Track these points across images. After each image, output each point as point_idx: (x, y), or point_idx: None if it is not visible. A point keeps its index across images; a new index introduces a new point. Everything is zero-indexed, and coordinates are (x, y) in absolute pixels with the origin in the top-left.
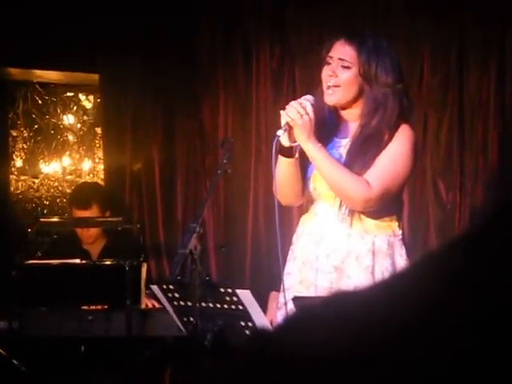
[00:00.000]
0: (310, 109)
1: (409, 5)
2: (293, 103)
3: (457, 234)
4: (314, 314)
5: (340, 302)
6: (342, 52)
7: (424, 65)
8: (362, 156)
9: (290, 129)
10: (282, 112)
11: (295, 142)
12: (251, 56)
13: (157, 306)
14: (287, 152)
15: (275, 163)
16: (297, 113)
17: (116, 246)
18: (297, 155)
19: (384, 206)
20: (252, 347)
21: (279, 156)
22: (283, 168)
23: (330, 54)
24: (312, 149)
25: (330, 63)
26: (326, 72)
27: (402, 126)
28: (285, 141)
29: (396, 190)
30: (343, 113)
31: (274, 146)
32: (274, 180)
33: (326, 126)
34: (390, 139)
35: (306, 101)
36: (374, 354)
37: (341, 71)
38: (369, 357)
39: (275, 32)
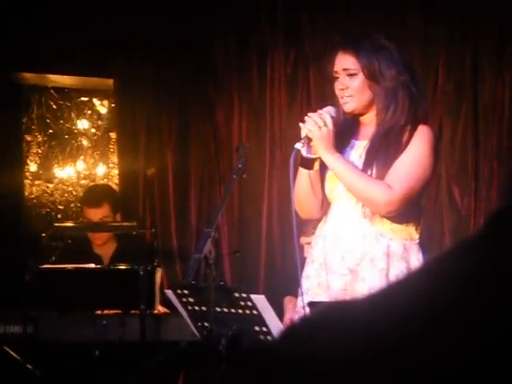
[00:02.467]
0: (329, 121)
1: (423, 11)
2: (312, 115)
3: (471, 233)
4: (328, 316)
5: (350, 305)
6: (344, 62)
7: (439, 71)
8: (382, 155)
9: (309, 141)
10: (301, 124)
11: (316, 153)
12: (266, 61)
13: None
14: (308, 164)
15: (294, 176)
16: (315, 124)
17: (127, 249)
18: (317, 167)
19: (405, 209)
20: (263, 350)
21: (300, 168)
22: (304, 180)
23: (335, 69)
24: (330, 159)
25: (338, 77)
26: (337, 87)
27: (420, 126)
28: (306, 152)
29: (418, 191)
30: (361, 118)
31: (292, 159)
32: (292, 193)
33: (345, 130)
34: (409, 139)
35: (326, 112)
36: (388, 357)
37: (349, 81)
38: (384, 360)
39: (290, 37)
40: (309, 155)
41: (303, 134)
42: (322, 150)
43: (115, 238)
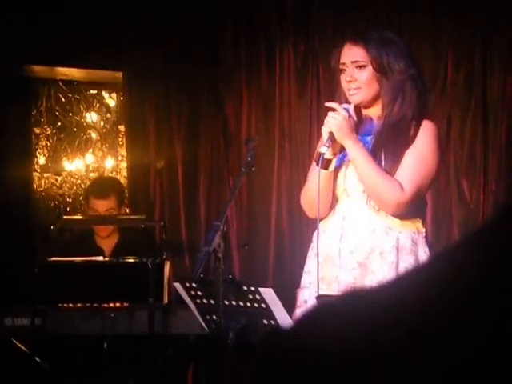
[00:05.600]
0: (341, 110)
1: (433, 4)
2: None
3: (479, 226)
4: (331, 310)
5: (357, 298)
6: (353, 54)
7: (448, 64)
8: (390, 148)
9: (332, 143)
10: (323, 128)
11: (336, 154)
12: (275, 53)
13: None
14: (326, 164)
15: (318, 179)
16: (330, 117)
17: (129, 242)
18: (333, 167)
19: (412, 208)
20: (268, 343)
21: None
22: (321, 180)
23: (342, 61)
24: (352, 146)
25: (345, 69)
26: (343, 79)
27: (424, 121)
28: (327, 153)
29: (426, 189)
30: (366, 111)
31: (319, 164)
32: (318, 196)
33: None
34: (415, 134)
35: (340, 107)
36: (392, 350)
37: (357, 73)
38: (387, 354)
39: (299, 29)
40: (330, 156)
41: (325, 138)
42: (344, 136)
43: (118, 231)
